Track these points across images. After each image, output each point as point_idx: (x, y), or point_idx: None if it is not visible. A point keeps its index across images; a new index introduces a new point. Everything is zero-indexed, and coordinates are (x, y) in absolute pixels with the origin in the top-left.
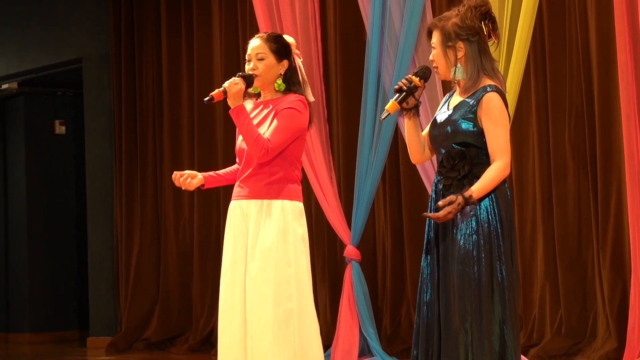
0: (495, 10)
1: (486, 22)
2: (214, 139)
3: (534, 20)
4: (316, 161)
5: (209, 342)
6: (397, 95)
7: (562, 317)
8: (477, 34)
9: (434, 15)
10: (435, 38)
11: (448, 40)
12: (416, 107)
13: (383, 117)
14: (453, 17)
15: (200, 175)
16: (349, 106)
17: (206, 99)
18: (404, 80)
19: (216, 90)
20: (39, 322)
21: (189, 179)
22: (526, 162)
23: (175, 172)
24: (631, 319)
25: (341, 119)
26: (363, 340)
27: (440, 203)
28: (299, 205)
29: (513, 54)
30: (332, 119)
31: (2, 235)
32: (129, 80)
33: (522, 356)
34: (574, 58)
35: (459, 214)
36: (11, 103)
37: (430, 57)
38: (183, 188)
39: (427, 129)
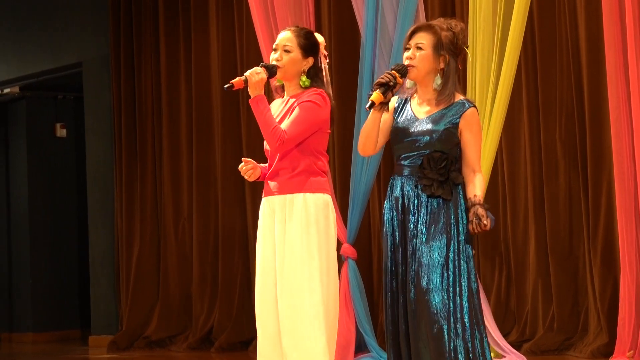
0: (488, 12)
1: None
2: (212, 140)
3: (525, 22)
4: None
5: (209, 340)
6: (382, 87)
7: (554, 313)
8: (459, 55)
9: (427, 17)
10: (427, 40)
11: (440, 49)
12: (388, 103)
13: (368, 106)
14: (445, 30)
15: (258, 168)
16: (343, 107)
17: (226, 85)
18: (387, 75)
19: (237, 78)
20: (41, 321)
21: (251, 170)
22: (518, 161)
23: (244, 159)
24: (621, 314)
25: (336, 119)
26: (359, 336)
27: (481, 219)
28: (323, 197)
29: (505, 55)
30: None
31: (4, 237)
32: (128, 84)
33: (516, 351)
34: (564, 59)
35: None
36: (13, 107)
37: (410, 55)
38: (245, 177)
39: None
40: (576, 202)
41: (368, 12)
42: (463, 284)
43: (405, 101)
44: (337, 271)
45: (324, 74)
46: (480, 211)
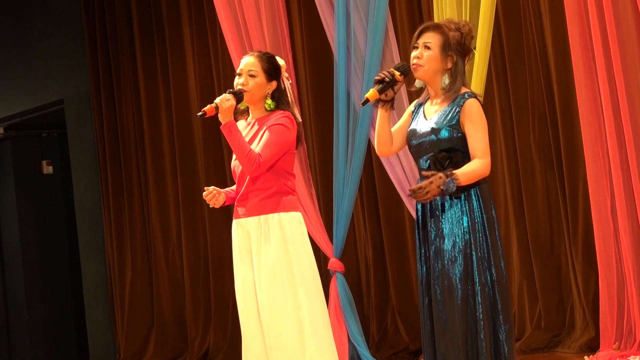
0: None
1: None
2: (195, 166)
3: (492, 30)
4: (296, 179)
5: None
6: (379, 84)
7: (541, 311)
8: (466, 56)
9: (397, 34)
10: (435, 40)
11: (448, 49)
12: (392, 101)
13: (362, 103)
14: (453, 30)
15: (223, 193)
16: (321, 124)
17: (199, 113)
18: (385, 72)
19: (208, 106)
20: (40, 355)
21: (216, 196)
22: (495, 165)
23: (206, 188)
24: (602, 309)
25: (315, 137)
26: (352, 348)
27: (425, 178)
28: (296, 215)
29: (475, 63)
30: (307, 138)
31: None
32: (110, 117)
33: None
34: (532, 64)
35: (443, 188)
36: None
37: (418, 54)
38: (211, 205)
39: (396, 127)
40: (554, 202)
41: (339, 30)
42: (481, 276)
43: (421, 105)
44: (321, 283)
45: (288, 94)
46: (434, 184)
